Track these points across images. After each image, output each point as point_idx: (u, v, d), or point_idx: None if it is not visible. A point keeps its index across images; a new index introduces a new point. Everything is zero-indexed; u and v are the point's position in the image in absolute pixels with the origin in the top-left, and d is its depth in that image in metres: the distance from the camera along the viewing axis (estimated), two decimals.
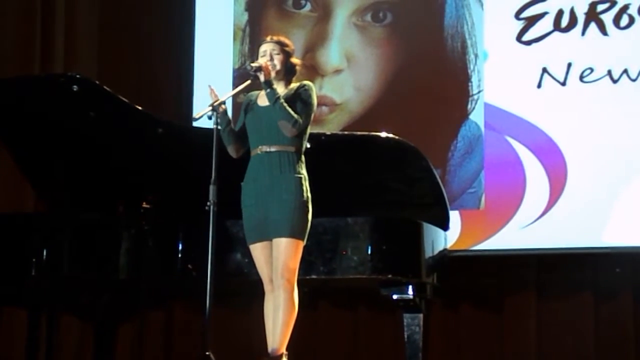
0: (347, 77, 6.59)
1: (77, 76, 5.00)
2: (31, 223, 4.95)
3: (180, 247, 4.87)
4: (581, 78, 6.14)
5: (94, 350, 5.59)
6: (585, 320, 6.09)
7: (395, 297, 4.84)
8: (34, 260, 4.76)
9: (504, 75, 6.29)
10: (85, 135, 5.08)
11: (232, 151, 4.32)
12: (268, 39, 4.34)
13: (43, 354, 5.77)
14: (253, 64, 4.23)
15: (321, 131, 5.18)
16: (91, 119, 5.01)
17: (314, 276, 4.69)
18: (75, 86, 4.90)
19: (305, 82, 4.32)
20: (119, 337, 5.82)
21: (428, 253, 4.91)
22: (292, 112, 4.17)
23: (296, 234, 4.16)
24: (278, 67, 4.26)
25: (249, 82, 4.25)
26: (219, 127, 4.20)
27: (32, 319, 5.65)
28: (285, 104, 4.17)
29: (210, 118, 4.16)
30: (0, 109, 5.12)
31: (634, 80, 6.04)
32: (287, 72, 4.31)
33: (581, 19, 6.20)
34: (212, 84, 4.29)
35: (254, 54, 4.42)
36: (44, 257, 4.76)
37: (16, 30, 6.69)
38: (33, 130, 5.13)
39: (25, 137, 5.19)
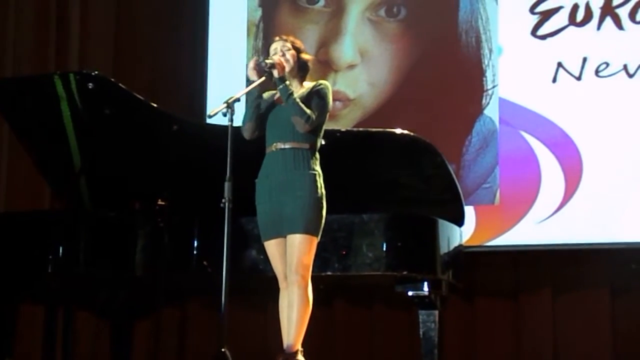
0: (360, 72, 6.57)
1: (92, 74, 5.01)
2: (48, 220, 4.97)
3: (195, 244, 4.88)
4: (597, 73, 6.11)
5: (110, 347, 5.60)
6: (601, 316, 6.07)
7: (410, 293, 4.84)
8: (50, 257, 4.77)
9: (518, 70, 6.26)
10: (100, 132, 5.09)
11: (247, 129, 4.30)
12: (277, 38, 4.39)
13: (60, 350, 5.79)
14: (267, 61, 4.25)
15: (335, 128, 5.17)
16: (106, 116, 5.02)
17: (329, 273, 4.69)
18: (90, 84, 4.91)
19: (322, 81, 4.35)
20: (135, 334, 5.83)
21: (443, 249, 4.90)
22: (305, 108, 4.18)
23: (310, 231, 4.16)
24: (291, 62, 4.28)
25: (263, 78, 4.26)
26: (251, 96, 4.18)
27: (49, 316, 5.68)
28: (298, 100, 4.19)
29: (224, 115, 4.16)
30: (16, 107, 5.15)
31: None
32: (300, 69, 4.33)
33: (597, 13, 6.16)
34: (225, 81, 4.30)
35: (267, 50, 4.44)
36: (61, 254, 4.77)
37: (32, 29, 6.70)
38: (48, 128, 5.14)
39: (41, 134, 5.21)
